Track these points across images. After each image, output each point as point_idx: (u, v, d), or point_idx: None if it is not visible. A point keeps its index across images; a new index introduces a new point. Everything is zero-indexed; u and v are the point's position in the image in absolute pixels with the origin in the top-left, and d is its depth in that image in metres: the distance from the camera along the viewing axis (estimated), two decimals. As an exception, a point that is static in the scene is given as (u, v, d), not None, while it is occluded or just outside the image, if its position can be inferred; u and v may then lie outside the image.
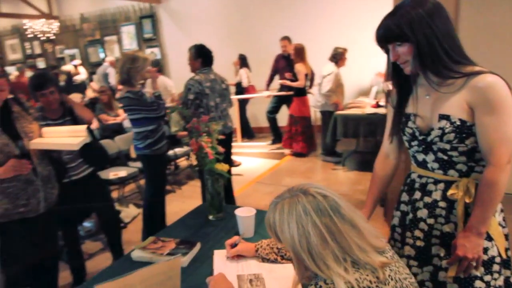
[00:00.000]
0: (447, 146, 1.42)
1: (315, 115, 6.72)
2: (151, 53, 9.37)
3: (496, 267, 1.44)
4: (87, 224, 4.17)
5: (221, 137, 2.24)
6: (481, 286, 1.43)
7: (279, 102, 6.73)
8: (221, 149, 2.17)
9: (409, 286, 1.10)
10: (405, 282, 1.09)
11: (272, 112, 6.80)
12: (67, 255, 3.23)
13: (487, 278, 1.43)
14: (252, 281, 1.52)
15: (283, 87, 6.47)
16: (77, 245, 3.25)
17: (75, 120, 2.84)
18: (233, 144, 7.07)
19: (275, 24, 7.51)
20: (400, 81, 1.53)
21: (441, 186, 1.48)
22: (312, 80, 6.33)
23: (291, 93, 6.25)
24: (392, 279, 1.05)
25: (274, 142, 7.02)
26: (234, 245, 1.70)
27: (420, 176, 1.56)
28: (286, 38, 6.36)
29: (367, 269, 1.02)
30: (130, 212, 4.43)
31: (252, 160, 6.36)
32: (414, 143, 1.52)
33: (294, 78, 6.08)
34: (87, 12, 10.38)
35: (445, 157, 1.44)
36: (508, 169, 1.33)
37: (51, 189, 2.32)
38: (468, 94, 1.34)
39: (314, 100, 6.00)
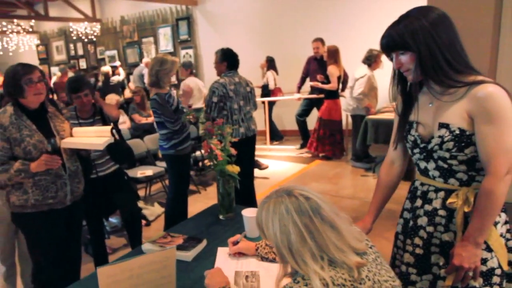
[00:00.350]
0: (447, 155, 1.41)
1: (346, 119, 6.61)
2: (185, 54, 9.53)
3: (496, 279, 1.41)
4: (113, 220, 4.28)
5: (234, 139, 2.24)
6: None
7: (309, 105, 6.67)
8: (233, 151, 2.19)
9: (388, 287, 1.14)
10: (385, 284, 1.14)
11: (302, 115, 6.74)
12: (92, 248, 3.34)
13: None
14: (248, 278, 1.59)
15: (314, 90, 6.40)
16: (102, 239, 3.37)
17: (104, 120, 3.01)
18: (262, 147, 7.16)
19: (310, 26, 7.44)
20: (406, 89, 1.54)
21: (441, 194, 1.47)
22: (344, 82, 6.22)
23: (322, 95, 6.18)
24: (369, 280, 1.09)
25: (302, 146, 6.93)
26: (236, 243, 1.77)
27: (422, 184, 1.55)
28: (319, 40, 6.27)
29: (344, 268, 1.07)
30: (155, 211, 4.50)
31: (279, 164, 6.33)
32: (416, 150, 1.52)
33: (326, 81, 6.01)
34: (127, 14, 10.72)
35: (445, 166, 1.44)
36: (507, 180, 1.32)
37: (77, 184, 2.46)
38: (468, 103, 1.35)
39: (346, 104, 5.90)
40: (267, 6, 8.13)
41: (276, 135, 7.64)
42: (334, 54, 5.87)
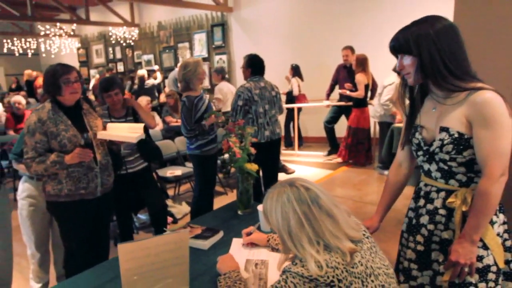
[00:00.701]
0: (447, 157, 1.48)
1: (374, 127, 6.60)
2: (219, 60, 9.74)
3: (491, 276, 1.47)
4: (142, 216, 4.46)
5: (254, 140, 2.35)
6: None
7: (338, 112, 6.69)
8: (253, 150, 2.29)
9: (381, 274, 1.26)
10: (378, 270, 1.25)
11: (330, 122, 6.77)
12: (120, 241, 3.51)
13: (482, 285, 1.47)
14: (258, 265, 1.71)
15: (343, 98, 6.44)
16: (130, 234, 3.54)
17: (136, 120, 3.20)
18: (290, 152, 7.23)
19: (341, 34, 7.46)
20: (413, 94, 1.62)
21: (442, 194, 1.55)
22: (373, 91, 6.24)
23: (350, 103, 6.21)
24: (362, 265, 1.20)
25: (330, 153, 6.95)
26: (249, 234, 1.90)
27: (426, 185, 1.63)
28: (349, 48, 6.30)
29: (338, 253, 1.18)
30: (182, 209, 4.65)
31: (306, 169, 6.39)
32: (420, 153, 1.60)
33: (355, 89, 6.04)
34: (164, 20, 11.06)
35: (446, 167, 1.51)
36: (501, 181, 1.39)
37: (107, 177, 2.62)
38: (467, 109, 1.43)
39: (374, 110, 5.90)
40: (301, 14, 8.22)
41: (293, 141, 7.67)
42: (362, 62, 5.90)
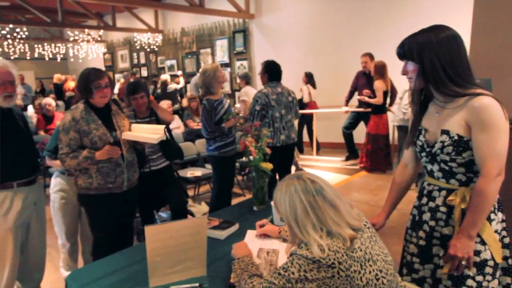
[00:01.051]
0: (447, 158, 1.60)
1: (393, 133, 6.66)
2: (240, 65, 9.94)
3: (488, 270, 1.57)
4: (163, 214, 4.63)
5: (269, 140, 2.50)
6: (472, 285, 1.57)
7: (356, 118, 6.77)
8: (268, 150, 2.44)
9: (380, 260, 1.37)
10: (376, 256, 1.36)
11: (349, 128, 6.85)
12: (143, 237, 3.69)
13: (479, 278, 1.57)
14: (269, 253, 1.85)
15: (361, 104, 6.52)
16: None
17: (158, 121, 3.39)
18: (308, 157, 7.35)
19: (361, 40, 7.56)
20: (420, 98, 1.74)
21: (443, 193, 1.66)
22: (392, 97, 6.31)
23: (368, 110, 6.29)
24: (361, 251, 1.32)
25: (348, 158, 7.04)
26: (262, 226, 2.06)
27: (429, 184, 1.75)
28: (368, 55, 6.40)
29: (339, 238, 1.31)
30: (201, 209, 4.82)
31: (324, 174, 6.48)
32: (423, 154, 1.72)
33: (373, 95, 6.13)
34: (187, 26, 11.35)
35: (447, 168, 1.62)
36: (498, 181, 1.50)
37: (133, 173, 2.82)
38: (466, 113, 1.53)
39: (393, 115, 5.98)
40: (321, 21, 8.35)
41: (300, 147, 7.78)
42: (380, 69, 5.97)
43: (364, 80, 6.47)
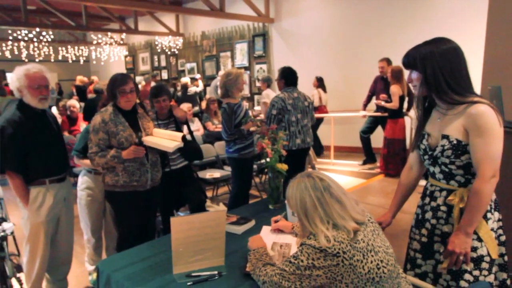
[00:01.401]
0: (447, 161, 1.72)
1: (410, 137, 6.68)
2: (259, 69, 10.08)
3: (485, 265, 1.70)
4: (182, 214, 4.77)
5: (285, 143, 2.61)
6: (469, 279, 1.70)
7: (374, 122, 6.83)
8: (284, 152, 2.56)
9: (381, 251, 1.50)
10: (378, 248, 1.50)
11: (366, 132, 6.91)
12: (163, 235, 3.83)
13: (476, 273, 1.70)
14: (282, 246, 2.00)
15: (379, 108, 6.58)
16: (172, 228, 3.83)
17: (177, 122, 3.57)
18: (326, 160, 7.42)
19: (379, 45, 7.62)
20: (425, 104, 1.87)
21: (444, 193, 1.79)
22: (410, 102, 6.35)
23: (385, 114, 6.35)
24: (364, 242, 1.46)
25: (365, 162, 7.11)
26: (276, 221, 2.20)
27: (431, 185, 1.88)
28: (385, 60, 6.47)
29: (344, 231, 1.46)
30: (219, 209, 4.93)
31: (340, 177, 6.56)
32: (426, 157, 1.85)
33: (389, 100, 6.18)
34: (207, 30, 11.55)
35: (447, 170, 1.75)
36: (492, 182, 1.62)
37: (156, 172, 2.98)
38: (464, 119, 1.66)
39: (411, 120, 6.03)
40: (339, 26, 8.44)
41: (316, 149, 7.85)
42: (397, 74, 6.03)
43: (381, 85, 6.54)
